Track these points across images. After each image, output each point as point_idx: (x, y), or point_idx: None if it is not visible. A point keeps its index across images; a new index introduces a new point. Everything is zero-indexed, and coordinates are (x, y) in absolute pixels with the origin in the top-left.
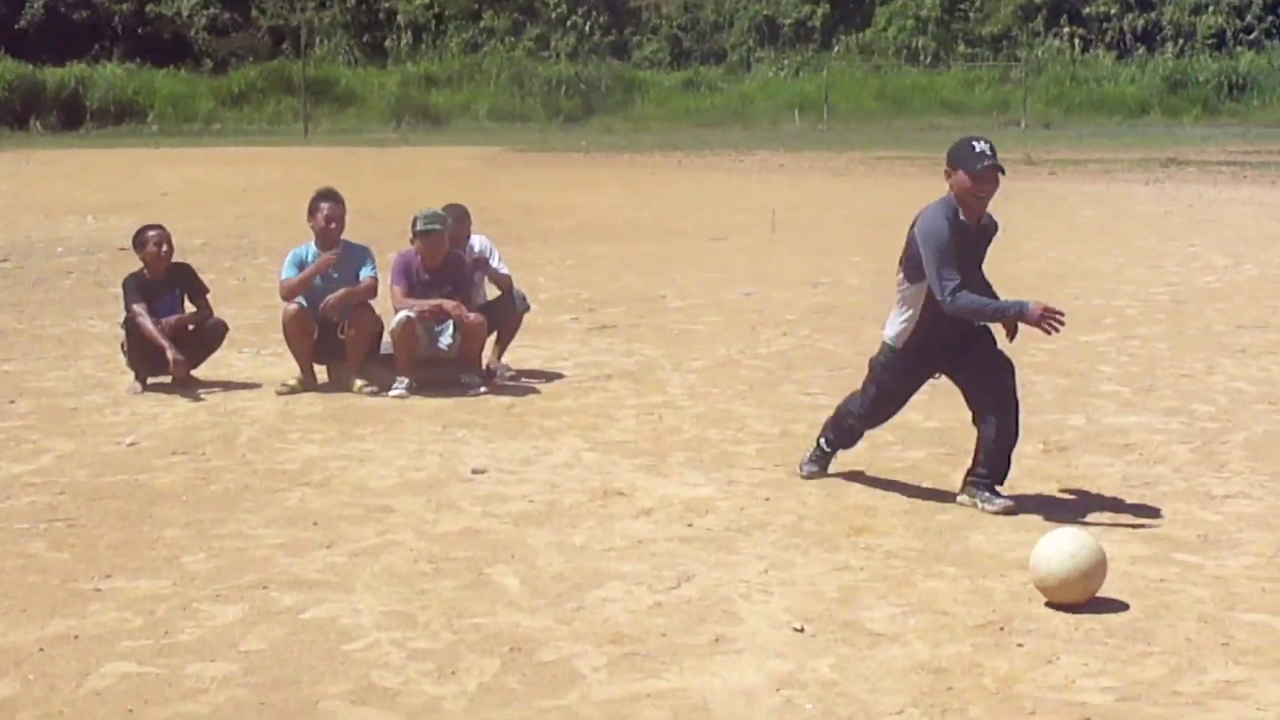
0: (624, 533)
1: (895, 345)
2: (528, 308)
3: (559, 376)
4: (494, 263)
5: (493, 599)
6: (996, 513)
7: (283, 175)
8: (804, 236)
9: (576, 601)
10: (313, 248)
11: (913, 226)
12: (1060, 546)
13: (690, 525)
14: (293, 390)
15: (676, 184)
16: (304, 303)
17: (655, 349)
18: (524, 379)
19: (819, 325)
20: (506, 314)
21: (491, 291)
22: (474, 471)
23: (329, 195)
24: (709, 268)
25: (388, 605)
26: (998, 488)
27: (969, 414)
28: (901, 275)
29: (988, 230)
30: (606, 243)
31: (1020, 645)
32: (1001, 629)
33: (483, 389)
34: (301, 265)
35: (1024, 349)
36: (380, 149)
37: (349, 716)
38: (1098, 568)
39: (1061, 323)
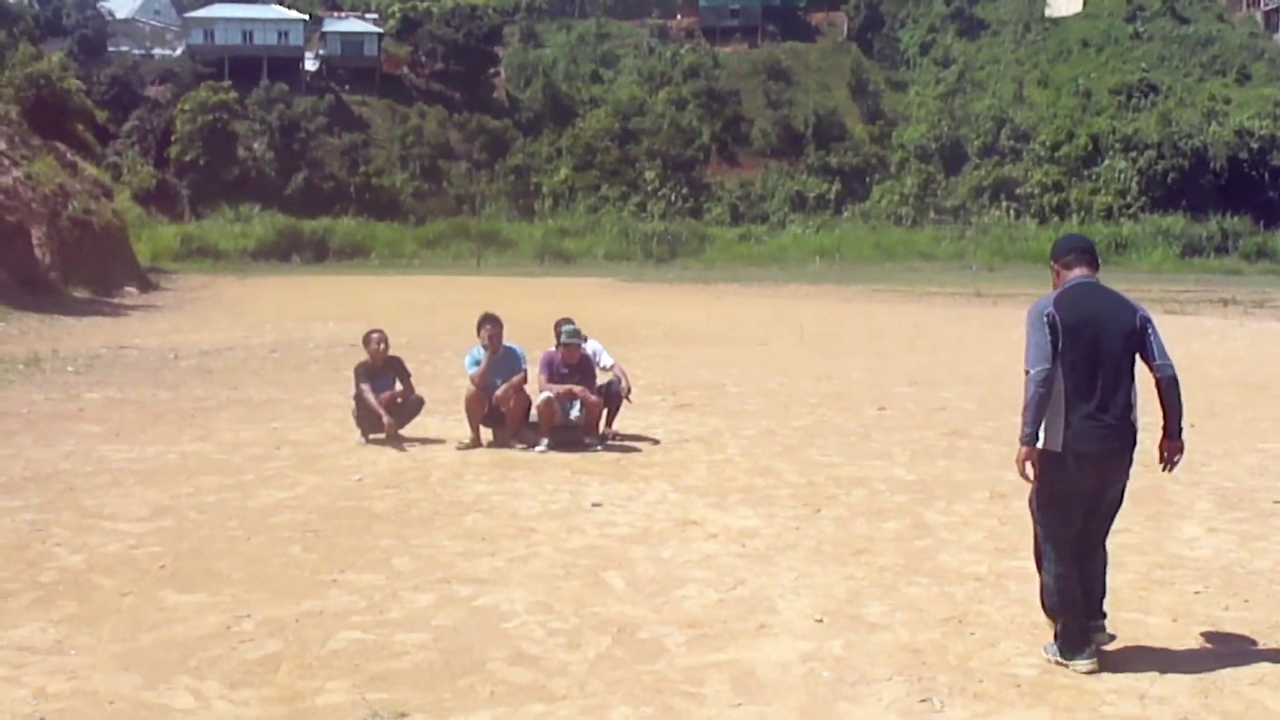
0: (697, 550)
1: None
2: (628, 390)
3: (652, 440)
4: (603, 360)
5: (606, 594)
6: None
7: (462, 296)
8: (822, 343)
9: (664, 597)
10: (481, 350)
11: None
12: None
13: (744, 546)
14: (468, 446)
15: (733, 306)
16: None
17: (719, 421)
18: (627, 441)
19: (832, 407)
20: (615, 395)
21: (603, 379)
22: (593, 505)
23: (491, 319)
24: (756, 364)
25: (533, 597)
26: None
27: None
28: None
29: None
30: (684, 345)
31: (973, 634)
32: (960, 622)
33: (599, 448)
34: (476, 363)
35: (973, 427)
36: (530, 278)
37: (507, 673)
38: None
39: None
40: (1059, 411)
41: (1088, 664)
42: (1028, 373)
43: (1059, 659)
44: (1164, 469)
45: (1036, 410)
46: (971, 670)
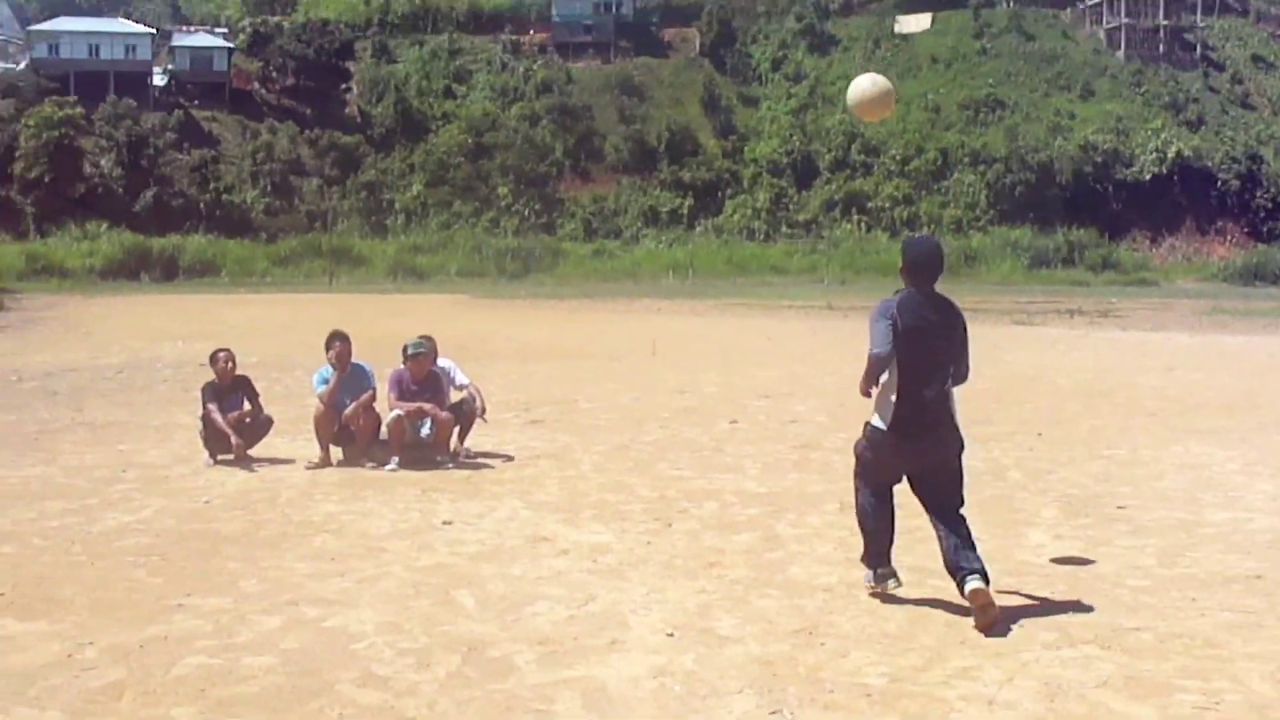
0: (548, 566)
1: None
2: (482, 409)
3: (504, 456)
4: (457, 379)
5: (456, 613)
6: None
7: (314, 314)
8: (674, 358)
9: (515, 615)
10: (330, 368)
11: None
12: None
13: (595, 561)
14: (317, 466)
15: (586, 322)
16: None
17: (571, 437)
18: (479, 458)
19: (685, 421)
20: (467, 413)
21: (455, 396)
22: (444, 523)
23: (339, 337)
24: (609, 380)
25: (383, 617)
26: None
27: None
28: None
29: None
30: (537, 362)
31: (823, 644)
32: (810, 633)
33: (450, 465)
34: (324, 381)
35: (824, 439)
36: (382, 295)
37: (356, 695)
38: (889, 91)
39: None
40: (890, 397)
41: (894, 583)
42: (871, 352)
43: (874, 585)
44: None
45: (871, 376)
46: (822, 680)
